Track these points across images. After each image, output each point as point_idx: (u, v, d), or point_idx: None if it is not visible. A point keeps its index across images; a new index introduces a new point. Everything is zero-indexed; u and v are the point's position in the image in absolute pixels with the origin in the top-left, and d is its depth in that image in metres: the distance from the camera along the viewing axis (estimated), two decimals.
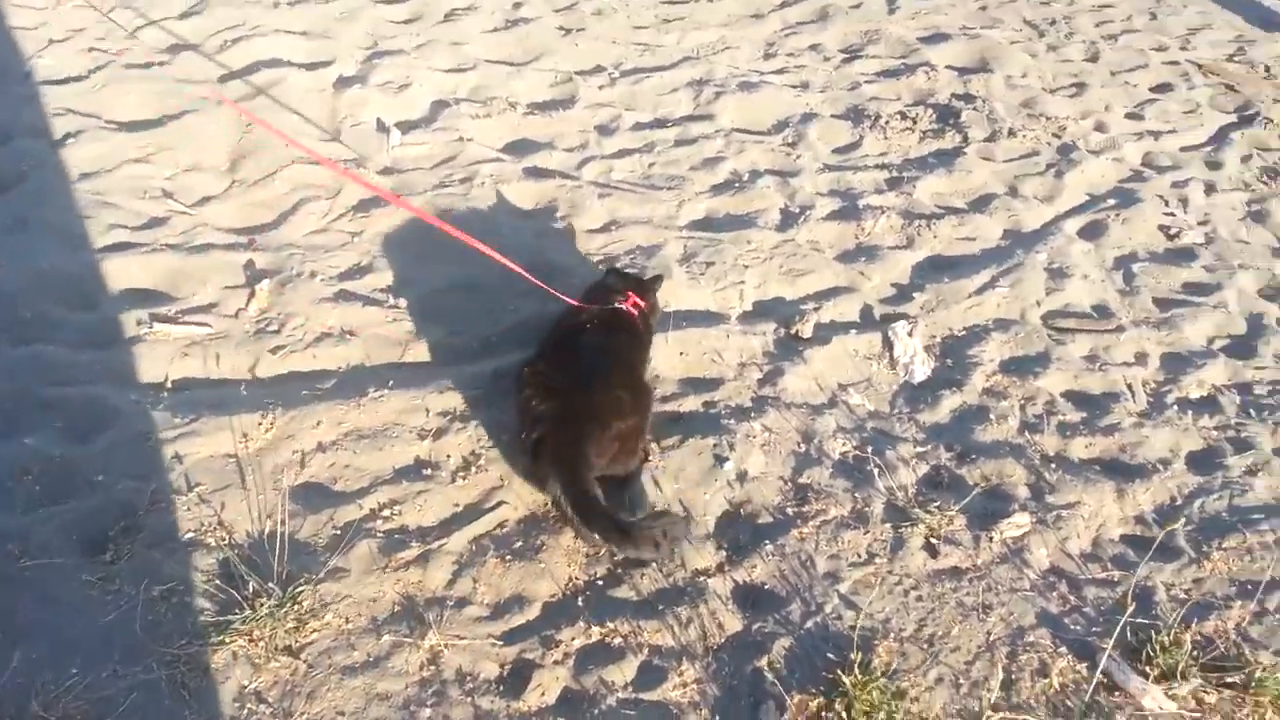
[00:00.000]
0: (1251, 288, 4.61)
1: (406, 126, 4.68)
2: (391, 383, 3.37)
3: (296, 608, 2.67)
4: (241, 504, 2.94)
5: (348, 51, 5.04)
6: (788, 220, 4.52)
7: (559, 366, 3.11)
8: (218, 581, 2.71)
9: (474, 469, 3.17)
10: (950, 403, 3.70)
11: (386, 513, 3.00)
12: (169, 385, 3.27)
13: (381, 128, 4.62)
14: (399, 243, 4.00)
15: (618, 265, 3.87)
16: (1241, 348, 4.23)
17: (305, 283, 3.72)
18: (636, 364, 3.28)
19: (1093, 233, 4.81)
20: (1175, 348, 4.17)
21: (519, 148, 4.72)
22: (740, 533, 3.09)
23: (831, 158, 5.06)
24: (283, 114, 4.49)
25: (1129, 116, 5.75)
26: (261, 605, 2.63)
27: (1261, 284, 4.66)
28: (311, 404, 3.25)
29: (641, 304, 3.40)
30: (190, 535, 2.85)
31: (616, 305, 3.33)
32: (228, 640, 2.59)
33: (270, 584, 2.68)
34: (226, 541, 2.83)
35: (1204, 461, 3.61)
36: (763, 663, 2.72)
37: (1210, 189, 5.32)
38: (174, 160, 4.17)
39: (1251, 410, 3.83)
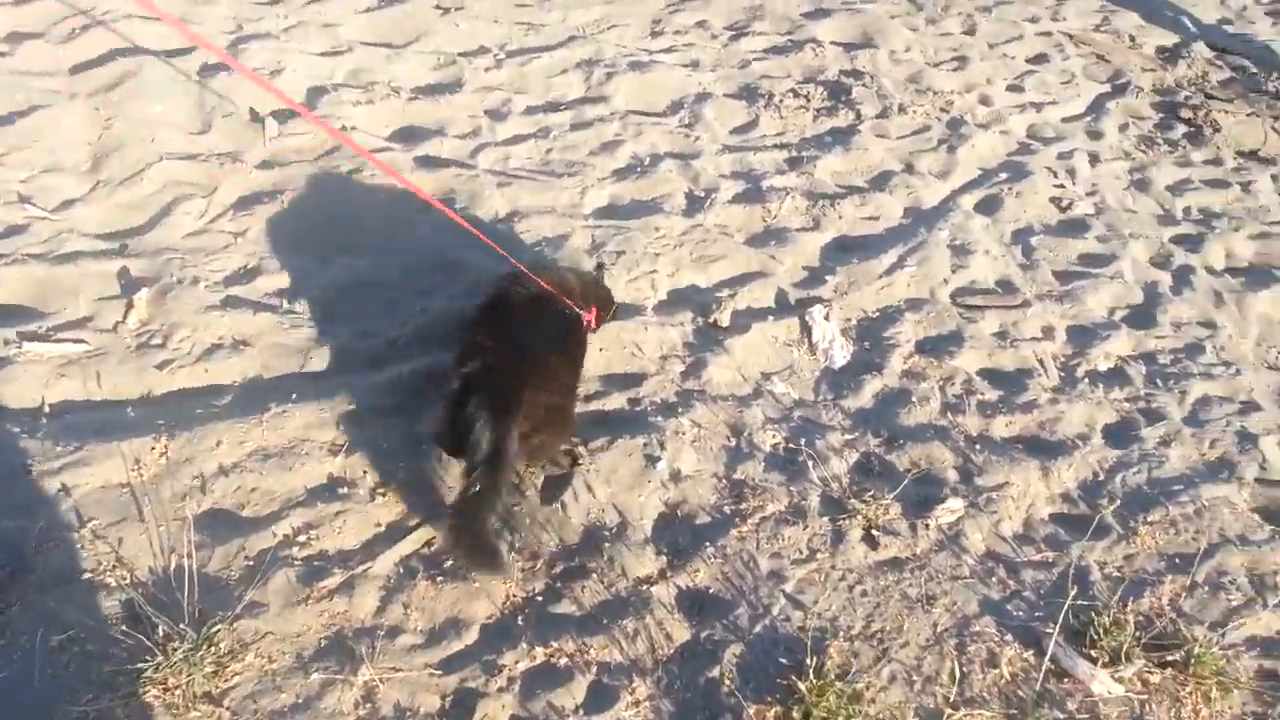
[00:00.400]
0: (1144, 256, 4.75)
1: (283, 116, 4.40)
2: (295, 395, 3.17)
3: (214, 650, 2.48)
4: (141, 538, 2.71)
5: (211, 37, 4.71)
6: (694, 205, 4.45)
7: (495, 335, 2.95)
8: (123, 626, 2.49)
9: (393, 484, 3.01)
10: (872, 387, 3.69)
11: (302, 538, 2.81)
12: (47, 410, 2.99)
13: (256, 118, 4.34)
14: (288, 241, 3.76)
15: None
16: (1141, 317, 4.35)
17: (188, 290, 3.46)
18: (576, 359, 3.15)
19: (989, 207, 4.88)
20: (1079, 320, 4.26)
21: (407, 135, 4.52)
22: (679, 535, 3.01)
23: (730, 138, 5.00)
24: (145, 106, 4.17)
25: (1010, 89, 5.86)
26: (175, 649, 2.42)
27: (1152, 252, 4.80)
28: (208, 423, 3.02)
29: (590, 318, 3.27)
30: (88, 576, 2.61)
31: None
32: (140, 691, 2.38)
33: (182, 625, 2.47)
34: (129, 581, 2.61)
35: (1120, 434, 3.69)
36: (715, 673, 2.65)
37: (1094, 159, 5.47)
38: (28, 161, 3.83)
39: (1158, 380, 3.95)
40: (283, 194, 3.97)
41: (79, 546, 2.66)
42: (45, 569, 2.59)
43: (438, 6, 5.44)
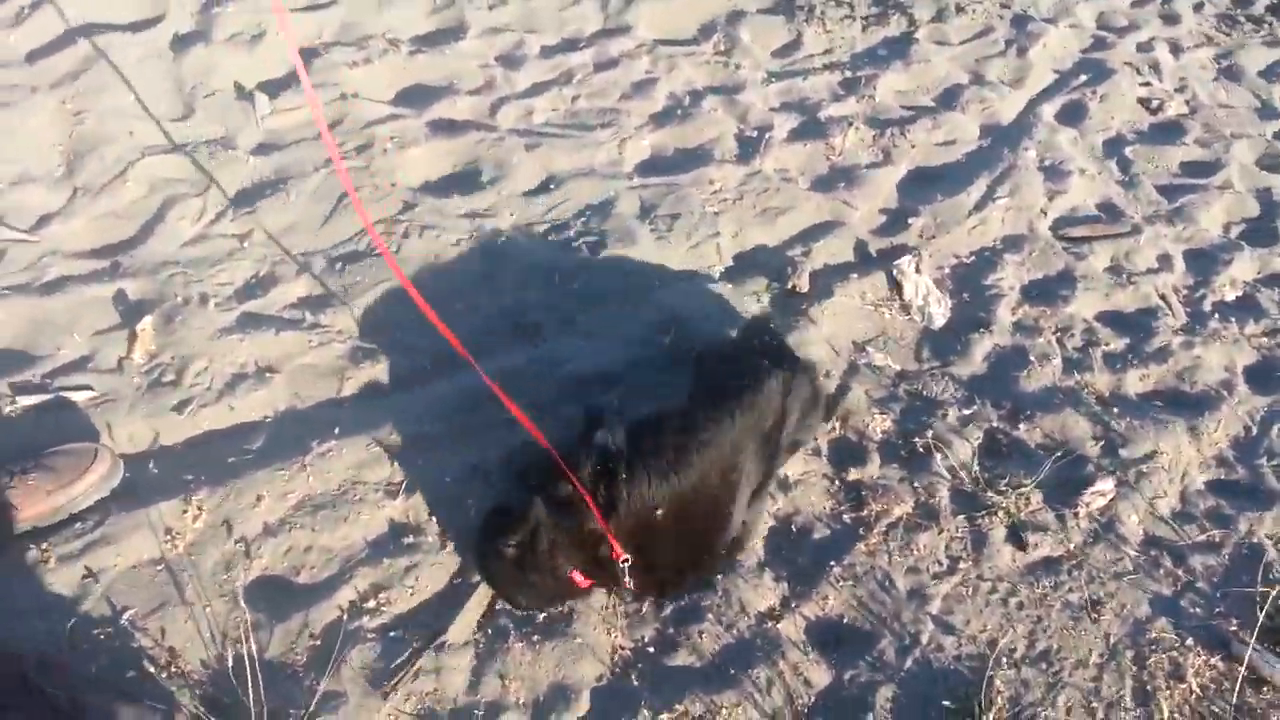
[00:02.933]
0: (1249, 158, 4.44)
1: (273, 89, 4.02)
2: (337, 429, 2.87)
3: None
4: (187, 624, 2.43)
5: (177, 2, 4.28)
6: (746, 148, 4.09)
7: None
8: None
9: (463, 524, 2.70)
10: (981, 347, 3.39)
11: (371, 604, 2.53)
12: None
13: (243, 94, 3.96)
14: (300, 239, 3.42)
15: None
16: (1261, 232, 4.05)
17: (196, 311, 3.14)
18: None
19: (1073, 116, 4.53)
20: (1195, 243, 3.96)
21: (414, 97, 4.14)
22: (797, 555, 2.73)
23: (774, 63, 4.62)
24: (117, 94, 3.78)
25: None
26: None
27: (1258, 153, 4.48)
28: (244, 474, 2.73)
29: None
30: (132, 675, 2.32)
31: None
32: None
33: None
34: (181, 680, 2.31)
35: (1264, 377, 3.43)
36: None
37: (1176, 48, 5.10)
38: None
39: None
40: (286, 182, 3.62)
41: (118, 643, 2.37)
42: (82, 675, 2.30)
43: None
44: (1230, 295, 3.74)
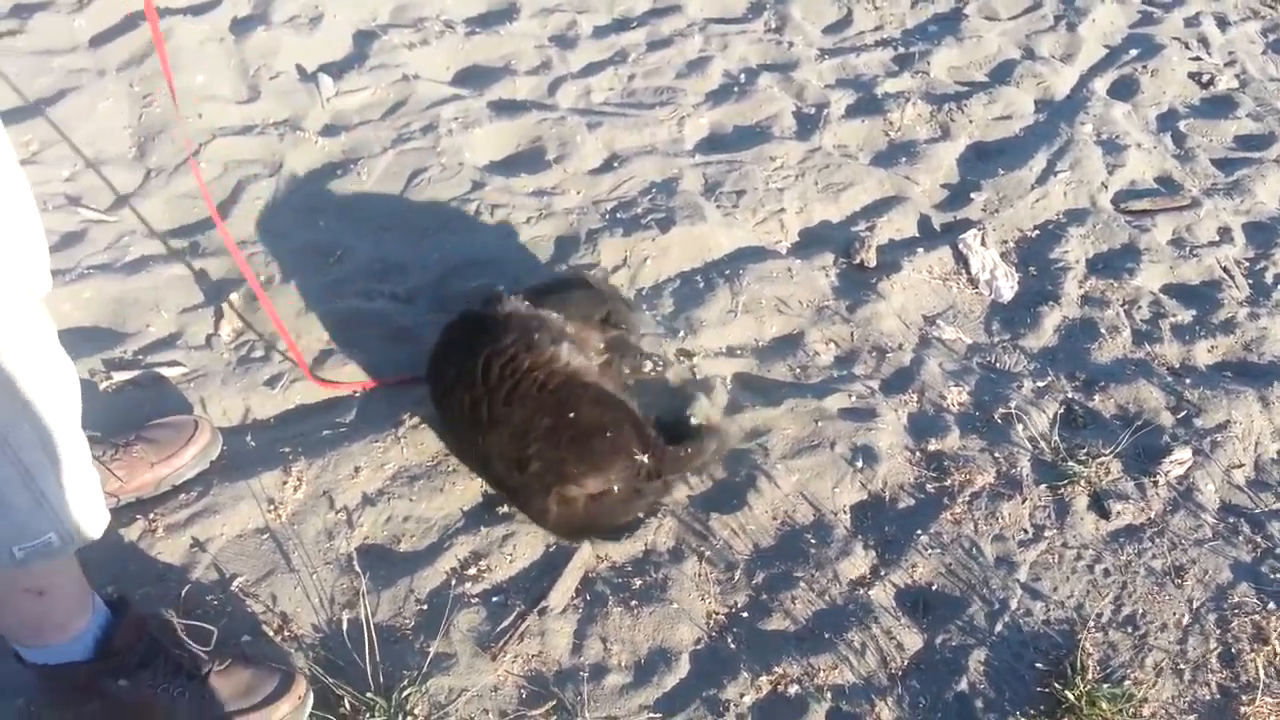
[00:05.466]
0: None
1: (335, 70, 4.09)
2: (425, 403, 2.93)
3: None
4: (296, 590, 2.51)
5: None
6: (805, 124, 4.16)
7: None
8: None
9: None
10: (1051, 320, 3.46)
11: (472, 570, 2.60)
12: None
13: (307, 77, 4.03)
14: (375, 218, 3.50)
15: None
16: None
17: (279, 287, 3.21)
18: None
19: (1125, 91, 4.59)
20: (1254, 215, 4.02)
21: (474, 78, 4.21)
22: (884, 524, 2.80)
23: (826, 40, 4.69)
24: (185, 77, 3.85)
25: None
26: None
27: None
28: (340, 446, 2.80)
29: None
30: (247, 639, 2.40)
31: None
32: None
33: (369, 694, 2.28)
34: (295, 644, 2.40)
35: None
36: (963, 685, 2.46)
37: (1223, 22, 5.15)
38: (68, 155, 3.54)
39: None
40: (356, 163, 3.69)
41: (230, 609, 2.46)
42: (197, 641, 2.38)
43: None
44: None
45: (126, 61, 3.90)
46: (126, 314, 3.11)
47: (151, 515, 2.59)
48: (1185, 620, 2.63)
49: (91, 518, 1.79)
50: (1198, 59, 4.86)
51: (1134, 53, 4.82)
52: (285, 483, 2.71)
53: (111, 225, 3.37)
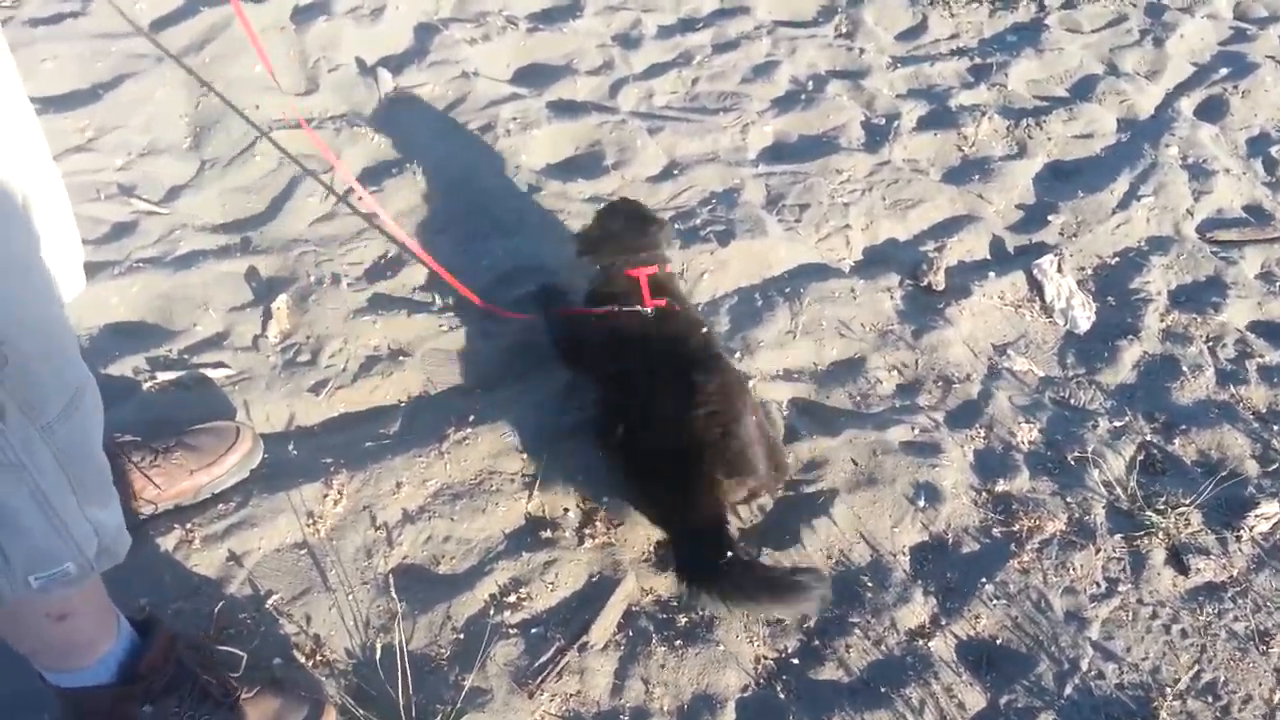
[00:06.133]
0: None
1: (394, 65, 4.01)
2: (472, 416, 2.84)
3: None
4: (332, 611, 2.43)
5: None
6: (874, 136, 4.01)
7: None
8: None
9: (598, 520, 2.68)
10: (1130, 355, 3.30)
11: (512, 598, 2.51)
12: None
13: (365, 70, 3.95)
14: (429, 219, 3.43)
15: None
16: None
17: (330, 291, 3.14)
18: None
19: (1214, 112, 4.39)
20: None
21: (534, 76, 4.11)
22: (946, 570, 2.66)
23: (898, 47, 4.53)
24: (242, 65, 3.79)
25: None
26: None
27: None
28: (383, 459, 2.72)
29: None
30: (278, 663, 2.32)
31: None
32: None
33: None
34: (327, 670, 2.31)
35: None
36: None
37: None
38: (124, 143, 3.49)
39: None
40: (411, 161, 3.60)
41: (263, 629, 2.38)
42: (227, 663, 2.31)
43: None
44: None
45: (186, 47, 3.84)
46: (174, 310, 3.05)
47: (189, 525, 2.53)
48: (1272, 692, 2.47)
49: (112, 546, 1.71)
50: None
51: (1224, 71, 4.61)
52: (326, 495, 2.63)
53: (164, 218, 3.31)
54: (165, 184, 3.43)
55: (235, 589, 2.44)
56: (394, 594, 2.41)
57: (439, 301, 3.17)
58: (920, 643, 2.49)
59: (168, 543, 2.49)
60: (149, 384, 2.83)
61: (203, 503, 2.58)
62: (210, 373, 2.88)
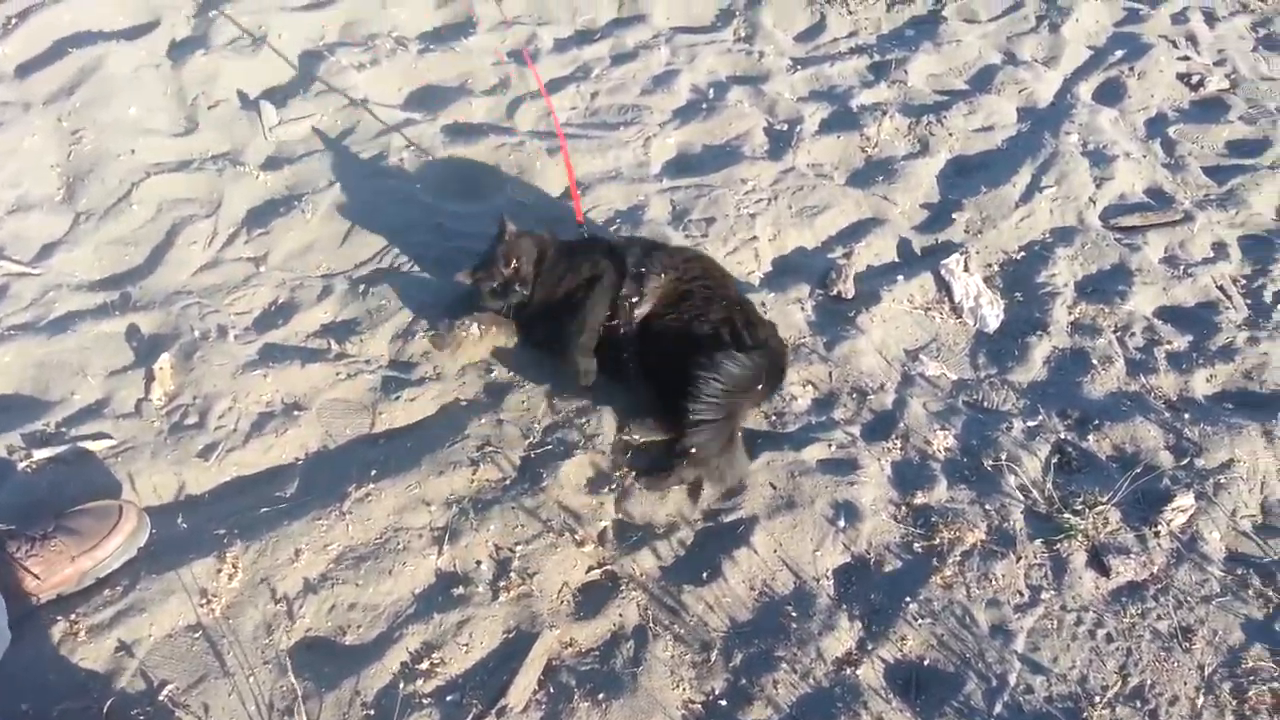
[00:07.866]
0: None
1: (279, 97, 3.83)
2: (374, 470, 2.70)
3: None
4: (231, 698, 2.28)
5: (172, 5, 4.07)
6: (778, 142, 3.91)
7: None
8: None
9: (512, 570, 2.55)
10: (1040, 351, 3.24)
11: (425, 664, 2.37)
12: None
13: (248, 104, 3.76)
14: (320, 258, 3.25)
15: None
16: None
17: (216, 345, 2.96)
18: None
19: (1111, 95, 4.36)
20: (1249, 229, 3.81)
21: (427, 99, 3.95)
22: (871, 591, 2.57)
23: (798, 49, 4.44)
24: (116, 108, 3.59)
25: None
26: None
27: None
28: (279, 525, 2.56)
29: None
30: None
31: None
32: None
33: None
34: None
35: None
36: None
37: (1210, 17, 4.91)
38: None
39: None
40: (300, 198, 3.44)
41: None
42: None
43: None
44: None
45: (55, 93, 3.62)
46: (50, 380, 2.86)
47: (74, 616, 2.35)
48: (1196, 688, 2.41)
49: None
50: (1186, 58, 4.63)
51: (1120, 53, 4.59)
52: (219, 570, 2.47)
53: (36, 279, 3.12)
54: (37, 242, 3.23)
55: (126, 682, 2.27)
56: (293, 676, 2.25)
57: (334, 347, 3.01)
58: (848, 671, 2.40)
59: (51, 637, 2.32)
60: (24, 463, 2.64)
61: (87, 589, 2.41)
62: (91, 445, 2.70)
